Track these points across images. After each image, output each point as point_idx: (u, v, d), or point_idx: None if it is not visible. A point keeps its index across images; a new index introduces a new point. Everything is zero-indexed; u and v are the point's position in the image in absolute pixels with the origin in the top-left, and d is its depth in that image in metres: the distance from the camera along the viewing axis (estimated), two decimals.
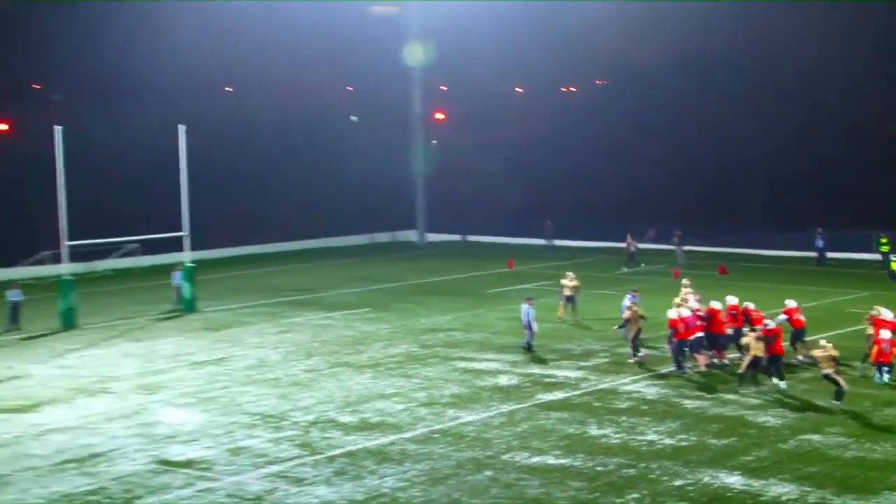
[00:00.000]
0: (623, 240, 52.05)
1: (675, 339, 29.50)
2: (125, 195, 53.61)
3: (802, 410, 25.52)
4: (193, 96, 68.33)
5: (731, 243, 56.36)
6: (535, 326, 32.34)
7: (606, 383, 28.57)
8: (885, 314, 28.85)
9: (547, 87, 75.20)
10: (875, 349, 27.92)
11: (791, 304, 30.88)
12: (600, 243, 58.57)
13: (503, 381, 29.00)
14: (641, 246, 53.45)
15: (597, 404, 26.41)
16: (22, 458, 22.76)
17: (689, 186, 62.26)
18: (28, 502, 20.17)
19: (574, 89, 78.68)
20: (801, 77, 61.49)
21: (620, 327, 31.93)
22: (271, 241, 59.81)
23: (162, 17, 74.11)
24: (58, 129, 37.24)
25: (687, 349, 29.43)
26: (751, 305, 31.02)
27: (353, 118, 69.03)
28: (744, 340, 28.50)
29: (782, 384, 27.33)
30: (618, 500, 19.76)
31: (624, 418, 25.08)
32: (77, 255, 42.64)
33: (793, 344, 30.31)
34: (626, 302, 32.94)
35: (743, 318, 30.46)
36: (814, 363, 27.50)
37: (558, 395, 27.42)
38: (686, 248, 52.81)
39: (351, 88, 79.78)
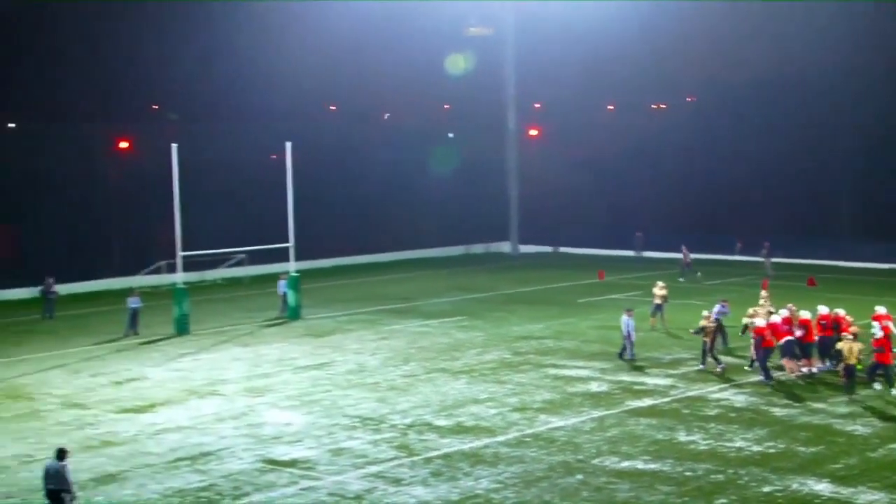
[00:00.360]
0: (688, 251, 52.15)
1: (762, 347, 29.79)
2: (234, 208, 55.14)
3: (892, 420, 25.48)
4: (299, 115, 70.11)
5: (819, 255, 55.81)
6: (633, 336, 32.56)
7: (695, 391, 28.80)
8: None
9: (637, 104, 75.41)
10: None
11: (881, 310, 30.78)
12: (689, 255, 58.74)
13: (593, 387, 29.42)
14: (733, 258, 53.53)
15: (685, 411, 26.66)
16: (139, 455, 23.62)
17: (778, 198, 61.83)
18: (144, 497, 20.94)
19: (664, 106, 78.70)
20: (891, 88, 60.69)
21: (696, 332, 32.19)
22: (372, 252, 60.95)
23: (269, 41, 76.43)
24: (174, 147, 38.62)
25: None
26: (841, 312, 31.10)
27: (450, 135, 70.06)
28: (839, 345, 28.76)
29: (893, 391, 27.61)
30: None
31: (712, 425, 25.27)
32: (190, 264, 44.00)
33: None
34: (715, 310, 33.38)
35: (833, 327, 30.62)
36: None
37: (647, 401, 27.75)
38: (774, 259, 52.73)
39: (448, 106, 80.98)
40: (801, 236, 57.89)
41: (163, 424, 26.24)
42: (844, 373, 28.15)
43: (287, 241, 42.56)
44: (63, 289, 46.63)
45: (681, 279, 50.50)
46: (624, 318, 32.73)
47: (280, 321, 41.34)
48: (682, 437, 24.47)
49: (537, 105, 78.20)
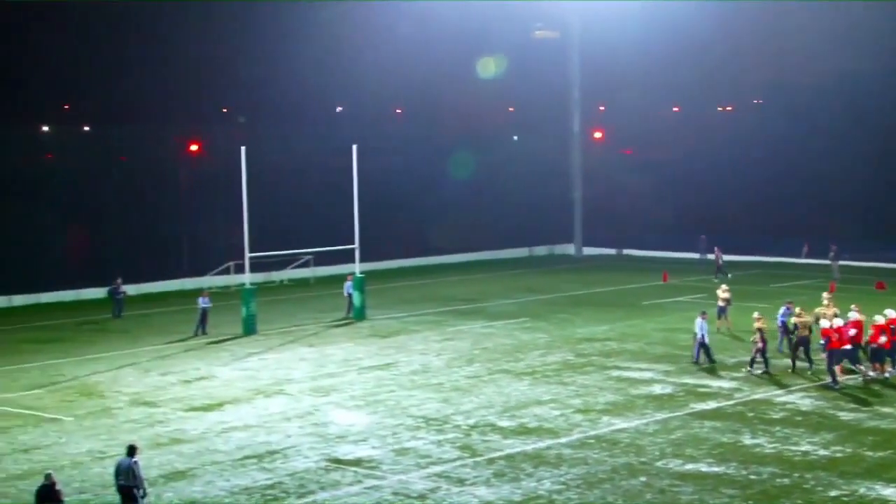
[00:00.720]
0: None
1: (828, 349, 29.49)
2: (301, 210, 55.74)
3: None
4: (365, 118, 70.69)
5: (888, 258, 55.03)
6: (706, 339, 32.23)
7: (760, 394, 28.64)
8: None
9: (703, 106, 74.94)
10: None
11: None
12: (753, 257, 58.36)
13: (657, 389, 29.39)
14: (800, 261, 53.11)
15: (750, 414, 26.52)
16: (207, 453, 24.03)
17: (846, 201, 61.02)
18: (212, 494, 21.28)
19: (729, 108, 78.09)
20: None
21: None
22: (436, 254, 61.27)
23: (337, 45, 77.23)
24: (242, 149, 39.12)
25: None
26: None
27: (515, 138, 70.14)
28: None
29: None
30: None
31: (778, 428, 25.14)
32: (257, 265, 44.59)
33: None
34: (780, 312, 33.17)
35: None
36: None
37: (711, 404, 27.64)
38: (842, 262, 52.13)
39: (512, 109, 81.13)
40: (869, 239, 57.06)
41: (230, 423, 26.62)
42: None
43: (353, 243, 42.90)
44: (134, 289, 47.57)
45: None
46: (698, 320, 32.45)
47: (346, 322, 41.67)
48: (747, 440, 24.35)
49: (602, 107, 78.07)
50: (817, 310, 32.95)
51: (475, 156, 63.65)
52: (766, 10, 66.18)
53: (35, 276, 48.22)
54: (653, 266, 56.86)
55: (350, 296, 42.21)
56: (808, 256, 56.29)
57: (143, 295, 48.90)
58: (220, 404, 28.59)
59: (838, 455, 23.06)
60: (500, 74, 73.29)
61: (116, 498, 19.56)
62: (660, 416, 26.59)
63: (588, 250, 65.28)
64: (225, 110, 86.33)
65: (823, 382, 29.50)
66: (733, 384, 29.87)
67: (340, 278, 45.65)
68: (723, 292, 37.72)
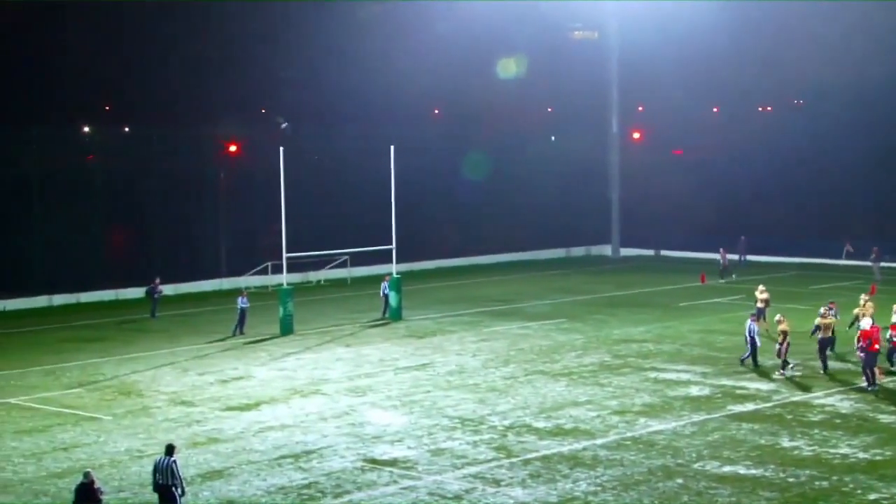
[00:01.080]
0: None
1: (868, 352, 29.16)
2: (338, 210, 55.92)
3: None
4: (403, 118, 70.82)
5: None
6: (758, 342, 31.81)
7: (798, 396, 28.47)
8: None
9: (743, 106, 74.47)
10: None
11: None
12: (793, 258, 58.04)
13: (694, 391, 29.27)
14: (841, 262, 52.69)
15: (789, 416, 26.37)
16: (243, 452, 24.15)
17: (889, 202, 60.38)
18: (249, 494, 21.40)
19: (770, 109, 77.55)
20: None
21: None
22: (473, 255, 61.27)
23: (375, 46, 77.49)
24: (281, 150, 39.23)
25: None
26: None
27: (552, 138, 70.03)
28: None
29: None
30: None
31: (816, 431, 24.99)
32: (294, 265, 44.79)
33: None
34: (821, 312, 32.95)
35: None
36: None
37: (749, 406, 27.50)
38: (884, 264, 51.67)
39: (550, 109, 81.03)
40: None
41: (267, 422, 26.76)
42: None
43: (390, 244, 43.01)
44: (172, 288, 47.90)
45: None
46: (748, 323, 32.10)
47: (382, 322, 41.78)
48: (786, 442, 24.23)
49: (641, 107, 77.78)
50: (855, 310, 32.68)
51: (513, 156, 63.59)
52: (808, 10, 65.60)
53: (75, 275, 48.69)
54: (690, 267, 56.50)
55: (386, 296, 42.28)
56: (849, 258, 55.78)
57: (182, 295, 49.27)
58: (257, 404, 28.73)
59: (878, 458, 22.88)
60: (523, 74, 73.24)
61: (154, 497, 19.71)
62: (697, 417, 26.47)
63: (625, 251, 65.05)
64: (263, 111, 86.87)
65: (860, 385, 29.22)
66: (771, 386, 29.69)
67: (377, 279, 45.80)
68: (760, 293, 37.41)
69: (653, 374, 31.43)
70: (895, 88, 61.85)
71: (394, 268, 43.47)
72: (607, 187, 65.85)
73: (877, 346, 29.10)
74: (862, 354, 29.35)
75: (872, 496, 20.51)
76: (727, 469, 22.36)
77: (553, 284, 52.50)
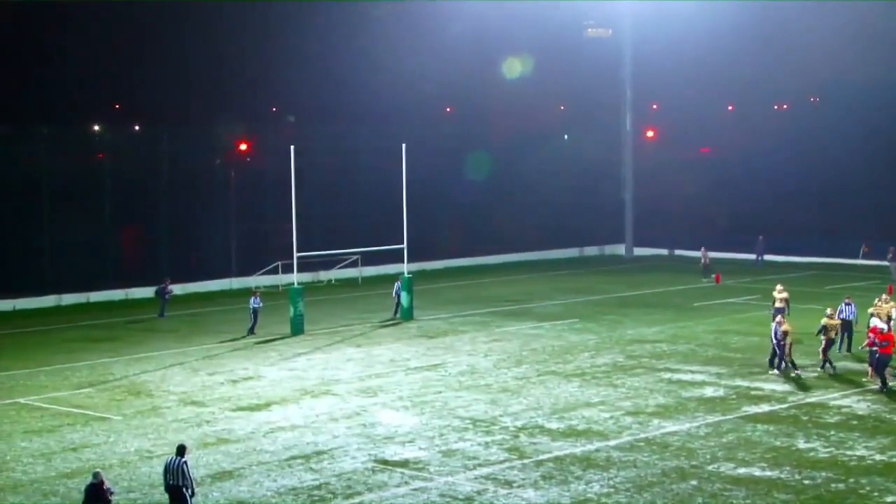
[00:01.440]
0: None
1: (882, 353, 28.85)
2: (349, 210, 55.82)
3: None
4: (415, 117, 70.72)
5: None
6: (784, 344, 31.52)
7: (814, 397, 28.25)
8: None
9: (758, 104, 74.15)
10: None
11: None
12: (809, 258, 57.76)
13: (709, 392, 29.07)
14: (857, 262, 52.39)
15: (804, 418, 26.18)
16: (254, 453, 24.05)
17: None
18: (259, 495, 21.31)
19: (786, 106, 77.22)
20: None
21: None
22: (485, 254, 61.10)
23: (387, 44, 77.43)
24: (292, 148, 39.15)
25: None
26: None
27: (566, 137, 69.81)
28: None
29: None
30: None
31: (832, 432, 24.80)
32: (304, 265, 44.63)
33: None
34: (839, 309, 32.76)
35: None
36: None
37: (765, 407, 27.31)
38: None
39: (563, 107, 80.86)
40: None
41: (277, 423, 26.66)
42: None
43: (400, 243, 42.87)
44: (181, 288, 47.80)
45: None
46: (774, 325, 31.71)
47: (393, 322, 41.63)
48: (801, 444, 24.06)
49: (654, 106, 77.53)
50: (870, 309, 32.52)
51: (525, 155, 63.38)
52: (824, 8, 65.29)
53: (85, 275, 48.65)
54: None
55: (399, 297, 42.09)
56: (865, 258, 55.46)
57: (191, 294, 49.17)
58: (268, 404, 28.63)
59: (895, 460, 22.61)
60: (528, 74, 73.04)
61: (164, 497, 19.65)
62: (711, 418, 26.30)
63: (639, 251, 64.76)
64: (274, 109, 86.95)
65: (875, 386, 28.95)
66: (787, 387, 29.48)
67: (388, 278, 45.68)
68: (779, 293, 37.06)
69: (666, 375, 31.24)
70: None
71: (405, 267, 43.32)
72: (621, 186, 65.54)
73: (891, 350, 28.76)
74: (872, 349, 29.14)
75: (889, 498, 20.34)
76: (742, 471, 22.20)
77: (565, 284, 52.31)
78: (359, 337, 38.62)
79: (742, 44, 70.10)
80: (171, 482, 19.25)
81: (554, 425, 25.94)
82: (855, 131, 62.42)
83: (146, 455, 24.07)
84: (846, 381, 30.05)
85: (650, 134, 70.57)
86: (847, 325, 33.43)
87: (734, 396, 28.53)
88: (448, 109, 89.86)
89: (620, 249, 65.47)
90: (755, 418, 26.22)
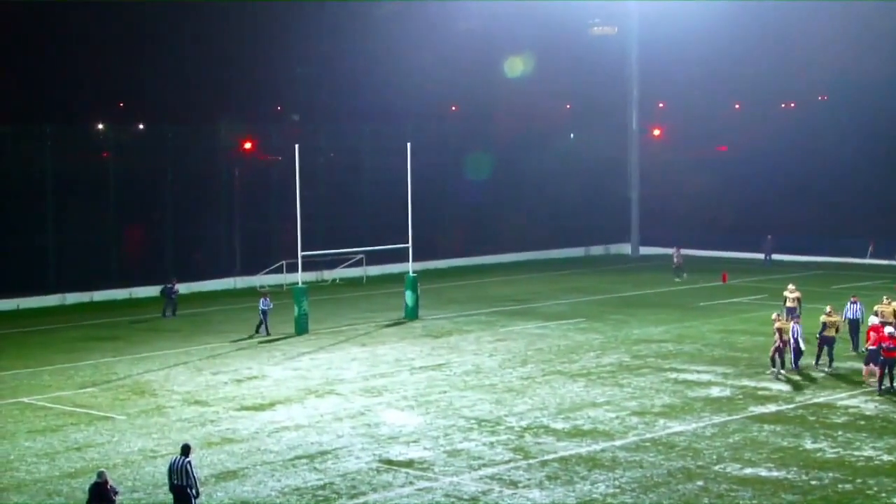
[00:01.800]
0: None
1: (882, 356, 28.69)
2: (354, 209, 55.74)
3: None
4: (420, 116, 70.62)
5: None
6: (802, 345, 31.15)
7: (822, 397, 28.14)
8: None
9: (766, 103, 74.02)
10: None
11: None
12: (816, 257, 57.63)
13: (715, 392, 28.96)
14: (864, 261, 52.22)
15: (811, 418, 26.08)
16: (258, 453, 23.99)
17: None
18: (263, 495, 21.25)
19: (793, 105, 77.09)
20: None
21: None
22: (490, 254, 61.02)
23: (392, 43, 77.33)
24: (296, 147, 39.07)
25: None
26: None
27: (571, 135, 69.72)
28: None
29: None
30: None
31: (840, 433, 24.70)
32: (308, 264, 44.56)
33: None
34: (846, 308, 32.61)
35: None
36: None
37: (771, 407, 27.19)
38: None
39: (569, 106, 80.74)
40: None
41: (282, 423, 26.59)
42: None
43: (405, 242, 42.78)
44: (185, 287, 47.73)
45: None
46: (792, 325, 31.60)
47: (398, 321, 41.48)
48: (808, 444, 23.96)
49: (661, 104, 77.40)
50: (876, 307, 32.43)
51: (531, 154, 63.27)
52: (832, 6, 65.12)
53: (89, 274, 48.61)
54: (712, 266, 56.10)
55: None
56: (872, 257, 55.30)
57: (195, 294, 49.09)
58: (272, 404, 28.55)
59: None
60: (530, 72, 72.94)
61: (169, 497, 19.54)
62: (718, 419, 26.19)
63: (645, 250, 64.61)
64: (279, 108, 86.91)
65: (884, 386, 28.76)
66: (794, 387, 29.36)
67: (392, 278, 45.59)
68: (790, 293, 36.82)
69: (672, 375, 31.13)
70: None
71: (410, 266, 43.22)
72: (627, 185, 65.37)
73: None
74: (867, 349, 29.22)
75: None
76: (748, 471, 22.11)
77: (571, 284, 52.20)
78: (363, 336, 38.54)
79: (749, 42, 69.94)
80: (175, 482, 19.16)
81: (559, 425, 25.84)
82: (863, 130, 62.36)
83: (150, 455, 24.00)
84: (853, 381, 29.91)
85: (656, 133, 70.45)
86: (854, 325, 33.27)
87: (741, 396, 28.41)
88: (453, 108, 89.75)
89: (626, 249, 65.33)
90: (762, 418, 26.11)
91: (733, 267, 54.79)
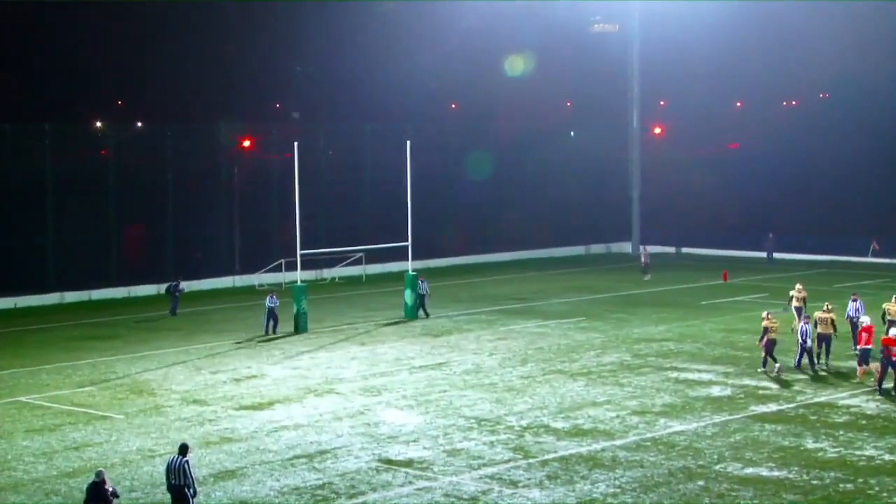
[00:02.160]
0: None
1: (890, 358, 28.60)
2: (353, 207, 55.66)
3: None
4: (420, 114, 70.55)
5: None
6: (809, 344, 30.86)
7: (823, 396, 28.06)
8: None
9: (767, 101, 73.95)
10: None
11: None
12: (820, 256, 57.51)
13: (716, 391, 28.88)
14: (867, 260, 52.19)
15: (813, 417, 26.00)
16: (256, 452, 23.94)
17: None
18: (262, 494, 21.20)
19: (795, 103, 77.02)
20: None
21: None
22: (490, 252, 60.93)
23: (392, 41, 77.28)
24: (295, 145, 39.04)
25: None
26: None
27: (572, 133, 69.62)
28: None
29: None
30: None
31: (841, 432, 24.63)
32: (308, 262, 44.54)
33: None
34: (848, 307, 32.50)
35: None
36: None
37: (773, 407, 27.12)
38: None
39: (570, 104, 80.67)
40: None
41: (280, 422, 26.53)
42: None
43: (405, 241, 42.70)
44: (185, 285, 47.62)
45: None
46: (801, 324, 31.48)
47: (397, 320, 41.40)
48: (810, 443, 23.90)
49: (662, 102, 77.31)
50: (885, 305, 32.38)
51: (532, 152, 63.18)
52: (834, 5, 65.02)
53: (88, 272, 48.56)
54: (713, 265, 56.14)
55: (422, 296, 41.54)
56: (875, 255, 55.17)
57: (195, 292, 48.99)
58: (271, 403, 28.49)
59: None
60: (531, 71, 72.92)
61: (167, 497, 19.49)
62: (718, 418, 26.11)
63: None
64: (278, 106, 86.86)
65: (886, 386, 28.65)
66: (795, 386, 29.26)
67: (392, 276, 45.48)
68: (798, 292, 36.61)
69: (673, 374, 31.05)
70: None
71: (409, 265, 43.14)
72: (628, 184, 65.25)
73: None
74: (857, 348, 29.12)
75: None
76: (749, 471, 22.04)
77: (572, 282, 52.14)
78: (363, 335, 38.48)
79: (751, 40, 69.87)
80: (172, 482, 19.08)
81: (559, 425, 25.77)
82: (865, 128, 62.24)
83: (148, 454, 23.94)
84: (855, 381, 29.75)
85: (658, 131, 70.32)
86: (854, 323, 33.13)
87: (742, 396, 28.33)
88: (453, 106, 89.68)
89: (627, 247, 65.21)
90: (763, 418, 26.04)
91: (735, 265, 54.70)
